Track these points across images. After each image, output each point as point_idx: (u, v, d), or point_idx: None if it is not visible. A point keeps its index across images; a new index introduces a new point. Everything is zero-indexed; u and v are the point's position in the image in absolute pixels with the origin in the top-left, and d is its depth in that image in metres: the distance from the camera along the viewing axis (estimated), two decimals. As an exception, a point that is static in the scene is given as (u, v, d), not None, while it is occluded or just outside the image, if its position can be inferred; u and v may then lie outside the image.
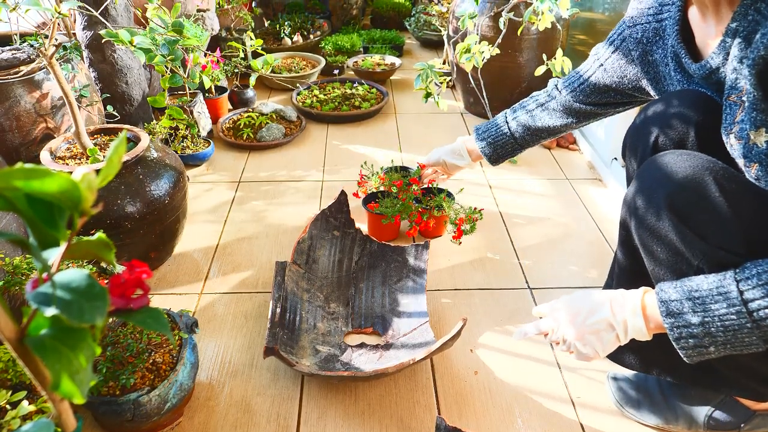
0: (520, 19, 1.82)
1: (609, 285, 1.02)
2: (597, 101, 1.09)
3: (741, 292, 0.66)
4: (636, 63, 0.97)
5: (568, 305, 0.81)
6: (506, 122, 1.21)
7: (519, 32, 1.86)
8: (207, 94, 2.10)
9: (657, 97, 0.96)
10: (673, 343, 0.71)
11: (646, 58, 0.94)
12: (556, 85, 1.15)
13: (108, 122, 1.66)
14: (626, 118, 1.69)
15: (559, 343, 0.82)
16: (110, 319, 0.98)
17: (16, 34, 1.51)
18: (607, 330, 0.76)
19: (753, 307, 0.65)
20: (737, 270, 0.68)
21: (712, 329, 0.67)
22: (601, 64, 1.04)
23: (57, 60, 1.17)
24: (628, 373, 1.05)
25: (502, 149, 1.24)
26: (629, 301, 0.75)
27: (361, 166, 1.59)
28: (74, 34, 1.69)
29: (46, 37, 1.15)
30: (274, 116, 2.08)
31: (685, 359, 0.71)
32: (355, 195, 1.54)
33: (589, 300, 0.79)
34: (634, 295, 0.75)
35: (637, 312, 0.73)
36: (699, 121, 0.82)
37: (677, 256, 0.75)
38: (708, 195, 0.72)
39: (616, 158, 1.74)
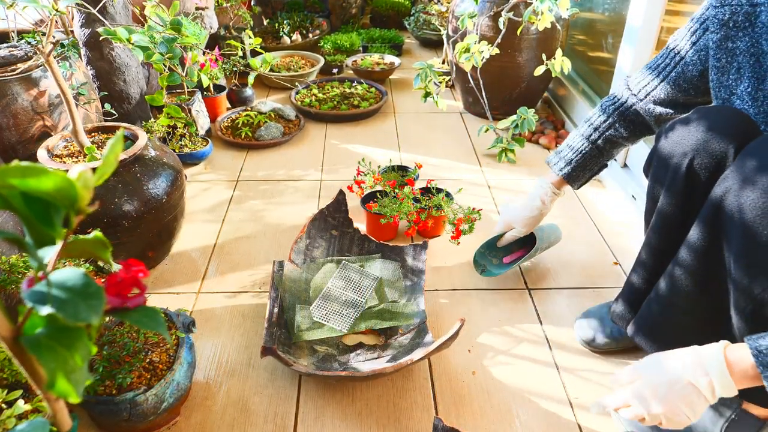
0: (520, 19, 1.82)
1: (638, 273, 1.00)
2: (680, 101, 1.01)
3: None
4: (710, 47, 0.90)
5: (647, 381, 0.76)
6: (582, 135, 1.14)
7: (518, 32, 1.86)
8: (205, 93, 2.10)
9: (713, 95, 0.91)
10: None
11: (725, 44, 0.87)
12: (627, 86, 1.08)
13: (106, 120, 1.66)
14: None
15: (647, 420, 0.76)
16: (107, 318, 0.97)
17: (13, 32, 1.51)
18: (695, 395, 0.71)
19: None
20: None
21: None
22: (682, 57, 0.96)
23: (54, 58, 1.17)
24: None
25: (584, 166, 1.15)
26: (711, 360, 0.70)
27: (359, 162, 1.59)
28: (72, 31, 1.68)
29: (44, 34, 1.15)
30: (272, 115, 2.08)
31: None
32: (349, 189, 1.54)
33: (666, 369, 0.74)
34: (715, 352, 0.70)
35: (724, 372, 0.69)
36: (739, 141, 0.79)
37: None
38: None
39: (615, 159, 1.74)
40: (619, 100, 1.10)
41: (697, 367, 0.71)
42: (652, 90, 1.03)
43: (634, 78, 1.09)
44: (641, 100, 1.06)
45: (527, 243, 1.37)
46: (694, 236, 0.84)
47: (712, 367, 0.69)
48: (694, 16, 0.95)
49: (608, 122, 1.11)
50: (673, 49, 0.99)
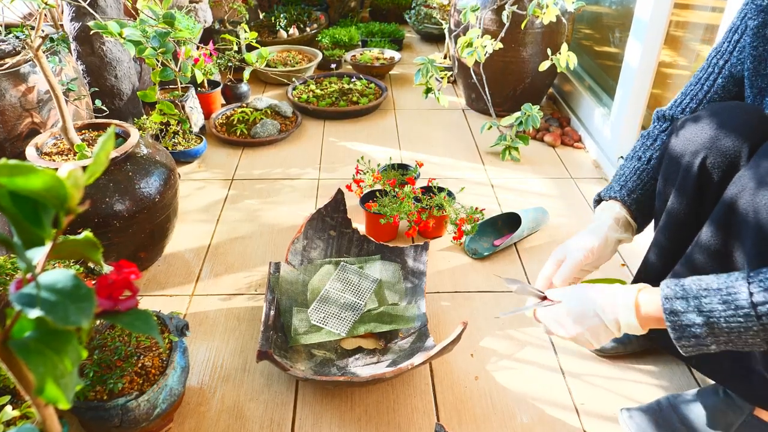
0: (524, 13, 1.82)
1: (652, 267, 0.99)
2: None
3: (751, 294, 0.67)
4: (747, 35, 0.88)
5: (566, 307, 0.85)
6: (630, 160, 1.04)
7: (523, 26, 1.86)
8: (199, 89, 2.10)
9: (747, 86, 0.90)
10: (673, 340, 0.73)
11: (763, 31, 0.86)
12: (664, 113, 1.02)
13: (96, 117, 1.66)
14: (634, 114, 1.70)
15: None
16: (97, 322, 0.98)
17: (1, 26, 1.51)
18: (602, 328, 0.80)
19: (762, 311, 0.65)
20: (751, 273, 0.68)
21: (716, 330, 0.69)
22: (726, 60, 0.93)
23: (43, 52, 1.17)
24: (640, 404, 1.03)
25: (643, 187, 1.01)
26: (622, 300, 0.78)
27: (358, 160, 1.59)
28: (61, 25, 1.68)
29: (33, 28, 1.15)
30: (268, 112, 2.08)
31: (681, 353, 0.74)
32: (348, 188, 1.54)
33: (583, 300, 0.83)
34: (629, 293, 0.78)
35: (630, 310, 0.77)
36: (753, 140, 0.79)
37: None
38: None
39: (622, 156, 1.75)
40: (660, 124, 1.03)
41: (610, 304, 0.79)
42: (697, 105, 0.99)
43: (670, 104, 1.04)
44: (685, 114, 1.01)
45: (516, 226, 1.48)
46: (706, 236, 0.84)
47: (621, 306, 0.77)
48: (733, 19, 0.93)
49: (657, 143, 1.03)
50: (716, 55, 0.96)
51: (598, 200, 1.05)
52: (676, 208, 0.92)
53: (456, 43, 1.99)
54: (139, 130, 1.60)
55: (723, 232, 0.81)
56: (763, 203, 0.74)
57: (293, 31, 2.79)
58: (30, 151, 1.22)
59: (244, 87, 2.24)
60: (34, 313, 0.28)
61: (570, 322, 0.84)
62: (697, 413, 0.97)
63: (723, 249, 0.82)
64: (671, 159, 0.91)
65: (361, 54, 2.62)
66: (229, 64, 2.16)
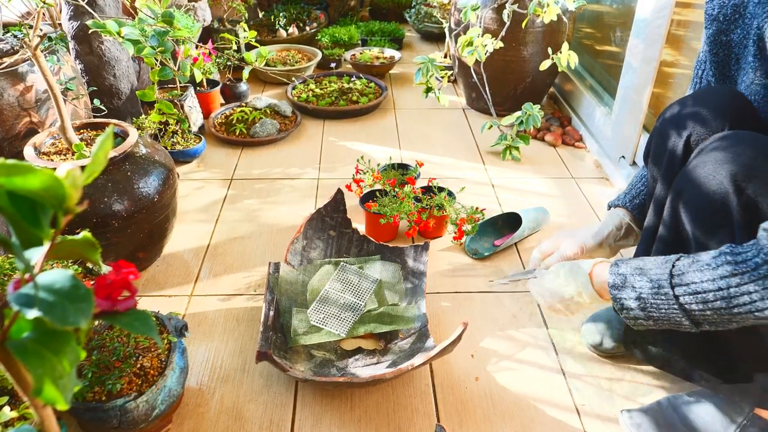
0: (525, 11, 1.82)
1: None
2: None
3: (672, 277, 0.76)
4: (706, 44, 0.94)
5: (540, 285, 0.98)
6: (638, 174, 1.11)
7: (523, 25, 1.86)
8: (198, 88, 2.10)
9: (716, 83, 0.95)
10: (617, 313, 0.83)
11: (719, 38, 0.91)
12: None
13: (95, 116, 1.66)
14: (635, 114, 1.70)
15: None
16: (96, 322, 0.97)
17: (-1, 24, 1.51)
18: (569, 300, 0.91)
19: (682, 299, 0.74)
20: (680, 257, 0.76)
21: (647, 306, 0.78)
22: (703, 69, 0.99)
23: (42, 51, 1.17)
24: (641, 405, 1.04)
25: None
26: (580, 273, 0.90)
27: (358, 160, 1.59)
28: (60, 24, 1.68)
29: (31, 27, 1.15)
30: (268, 111, 2.08)
31: (630, 325, 0.83)
32: (348, 188, 1.54)
33: (550, 278, 0.96)
34: (586, 267, 0.90)
35: (587, 283, 0.88)
36: (734, 117, 0.83)
37: (725, 237, 0.78)
38: None
39: (623, 156, 1.75)
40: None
41: (570, 278, 0.91)
42: None
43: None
44: None
45: (517, 226, 1.47)
46: (666, 210, 0.91)
47: (580, 279, 0.89)
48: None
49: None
50: (696, 65, 1.02)
51: (609, 207, 1.15)
52: (660, 189, 0.96)
53: (456, 42, 1.99)
54: (138, 129, 1.60)
55: (675, 204, 0.88)
56: (696, 194, 0.81)
57: (293, 30, 2.79)
58: (28, 150, 1.22)
59: (243, 86, 2.24)
60: (33, 314, 0.28)
61: (548, 293, 0.96)
62: (698, 413, 0.97)
63: (675, 235, 0.89)
64: (658, 142, 0.95)
65: (360, 53, 2.62)
66: (228, 63, 2.16)
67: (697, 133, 0.87)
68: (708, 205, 0.79)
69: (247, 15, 2.61)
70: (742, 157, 0.76)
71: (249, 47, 2.33)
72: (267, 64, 2.45)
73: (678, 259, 0.76)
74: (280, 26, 2.80)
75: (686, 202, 0.83)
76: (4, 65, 1.32)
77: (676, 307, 0.75)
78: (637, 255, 1.03)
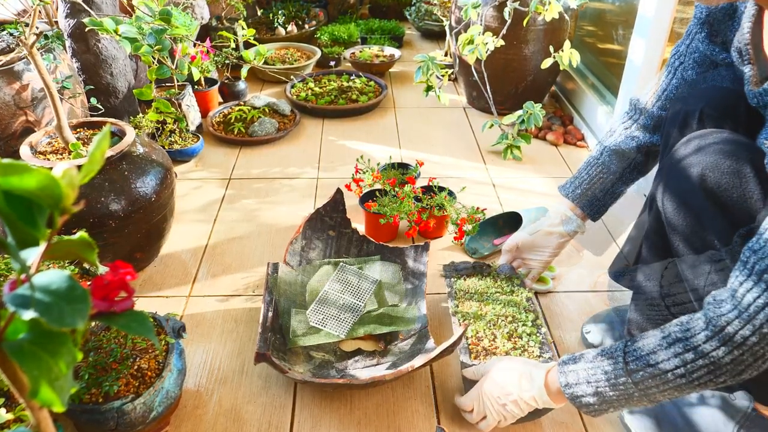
0: (526, 9, 1.82)
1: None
2: None
3: (626, 363, 0.77)
4: (696, 42, 0.99)
5: (487, 391, 0.94)
6: (595, 156, 1.16)
7: (525, 23, 1.86)
8: (196, 87, 2.09)
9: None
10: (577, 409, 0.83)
11: (712, 40, 0.96)
12: (635, 105, 1.12)
13: (92, 115, 1.66)
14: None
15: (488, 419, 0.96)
16: (92, 323, 0.97)
17: (-6, 22, 1.51)
18: (522, 403, 0.89)
19: (640, 385, 0.75)
20: (628, 342, 0.78)
21: (606, 398, 0.79)
22: (681, 62, 1.03)
23: (38, 49, 1.17)
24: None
25: (595, 188, 1.16)
26: (535, 380, 0.88)
27: (357, 159, 1.59)
28: (56, 22, 1.68)
29: (27, 25, 1.15)
30: (266, 110, 2.08)
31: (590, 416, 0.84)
32: (347, 187, 1.54)
33: (501, 383, 0.92)
34: (540, 373, 0.89)
35: (543, 390, 0.87)
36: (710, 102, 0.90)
37: (703, 239, 0.81)
38: (745, 183, 0.77)
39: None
40: (626, 116, 1.14)
41: (526, 382, 0.89)
42: (662, 92, 1.07)
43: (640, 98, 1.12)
44: (651, 107, 1.09)
45: (518, 226, 1.47)
46: (650, 224, 0.96)
47: (535, 385, 0.88)
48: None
49: (615, 134, 1.14)
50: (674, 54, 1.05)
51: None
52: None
53: (457, 40, 1.99)
54: (135, 128, 1.60)
55: (657, 222, 0.93)
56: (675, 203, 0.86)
57: (291, 28, 2.79)
58: (24, 149, 1.22)
59: (241, 85, 2.23)
60: (29, 315, 0.28)
61: (492, 404, 0.93)
62: (698, 410, 0.98)
63: (661, 237, 0.92)
64: (665, 129, 0.99)
65: (360, 51, 2.62)
66: (227, 61, 2.16)
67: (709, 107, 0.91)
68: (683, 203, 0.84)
69: (245, 13, 2.61)
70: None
71: (247, 45, 2.33)
72: (266, 63, 2.45)
73: (626, 345, 0.79)
74: (279, 24, 2.80)
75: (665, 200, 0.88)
76: (0, 63, 1.32)
77: (636, 394, 0.77)
78: (625, 250, 1.06)
